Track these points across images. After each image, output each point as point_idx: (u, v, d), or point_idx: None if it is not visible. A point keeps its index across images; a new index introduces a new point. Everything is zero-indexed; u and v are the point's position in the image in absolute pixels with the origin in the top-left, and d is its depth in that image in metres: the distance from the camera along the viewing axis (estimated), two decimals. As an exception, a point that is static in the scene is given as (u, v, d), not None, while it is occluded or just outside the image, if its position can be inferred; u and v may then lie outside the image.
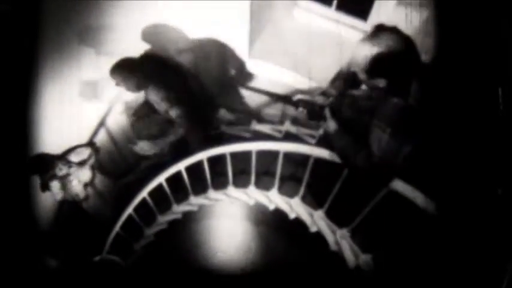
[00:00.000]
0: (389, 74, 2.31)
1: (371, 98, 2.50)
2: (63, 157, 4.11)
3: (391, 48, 2.22)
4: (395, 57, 2.23)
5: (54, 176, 4.02)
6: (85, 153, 4.21)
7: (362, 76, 2.36)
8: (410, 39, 2.28)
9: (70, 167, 4.06)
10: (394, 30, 2.26)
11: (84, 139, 4.38)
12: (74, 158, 4.13)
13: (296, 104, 2.73)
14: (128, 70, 3.65)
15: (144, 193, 4.03)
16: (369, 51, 2.26)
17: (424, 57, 3.06)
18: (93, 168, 4.32)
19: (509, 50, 2.61)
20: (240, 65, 4.10)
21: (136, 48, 4.00)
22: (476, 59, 2.87)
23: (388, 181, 2.82)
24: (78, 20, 3.98)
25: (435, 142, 2.88)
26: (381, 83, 2.34)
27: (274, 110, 4.21)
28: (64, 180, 4.08)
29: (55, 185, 4.05)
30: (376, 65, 2.26)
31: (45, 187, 4.00)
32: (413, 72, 2.30)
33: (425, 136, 2.44)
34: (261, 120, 4.21)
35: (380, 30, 2.27)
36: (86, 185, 4.29)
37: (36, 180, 4.15)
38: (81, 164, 4.14)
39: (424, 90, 2.34)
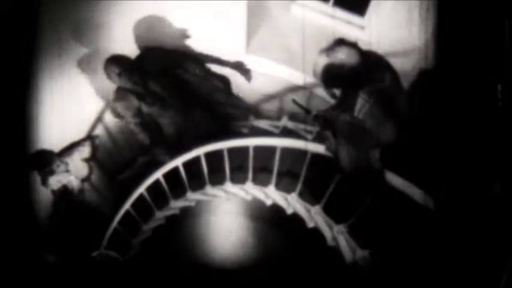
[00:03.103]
0: (339, 85, 2.45)
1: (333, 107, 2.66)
2: (62, 154, 4.13)
3: (341, 61, 2.35)
4: (344, 70, 2.36)
5: (52, 172, 4.04)
6: (84, 149, 4.23)
7: (322, 85, 2.51)
8: (366, 56, 2.39)
9: (68, 164, 4.09)
10: (351, 46, 2.39)
11: (82, 135, 4.37)
12: (74, 154, 4.15)
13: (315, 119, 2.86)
14: (128, 61, 3.67)
15: (141, 189, 4.03)
16: (322, 61, 2.41)
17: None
18: (90, 163, 4.33)
19: (508, 46, 2.64)
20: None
21: (133, 46, 4.00)
22: (476, 54, 2.89)
23: (378, 185, 2.92)
24: (77, 17, 3.98)
25: (433, 138, 2.91)
26: (336, 92, 2.48)
27: (272, 105, 4.20)
28: (62, 175, 4.10)
29: (53, 179, 4.07)
30: (326, 75, 2.39)
31: (44, 182, 4.03)
32: (360, 87, 2.41)
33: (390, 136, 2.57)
34: (258, 115, 4.20)
35: (338, 44, 2.41)
36: (83, 180, 4.30)
37: (35, 176, 4.16)
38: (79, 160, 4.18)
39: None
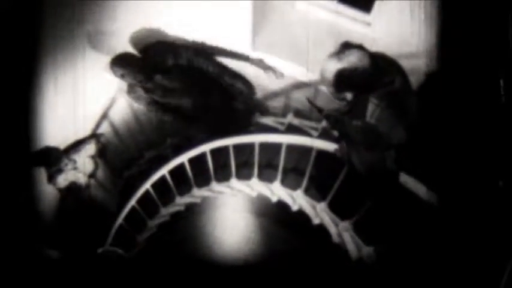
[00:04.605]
0: (352, 89, 2.43)
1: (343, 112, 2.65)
2: (68, 151, 4.14)
3: (353, 64, 2.32)
4: (356, 73, 2.33)
5: (60, 171, 4.06)
6: (90, 146, 4.25)
7: (330, 90, 2.47)
8: (375, 58, 2.38)
9: (75, 161, 4.10)
10: (359, 48, 2.36)
11: (87, 132, 4.39)
12: (81, 151, 4.18)
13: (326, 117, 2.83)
14: (132, 62, 3.65)
15: (147, 185, 4.05)
16: (333, 66, 2.34)
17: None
18: (96, 159, 4.35)
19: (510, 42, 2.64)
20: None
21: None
22: (479, 50, 2.88)
23: (392, 186, 2.92)
24: (81, 14, 3.98)
25: (436, 135, 2.91)
26: (348, 96, 2.45)
27: (277, 102, 4.21)
28: (70, 173, 4.12)
29: (61, 178, 4.09)
30: (339, 80, 2.36)
31: (51, 179, 4.05)
32: (372, 91, 2.39)
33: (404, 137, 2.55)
34: (263, 112, 4.20)
35: (346, 47, 2.37)
36: (89, 176, 4.33)
37: (40, 172, 4.18)
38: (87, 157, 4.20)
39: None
